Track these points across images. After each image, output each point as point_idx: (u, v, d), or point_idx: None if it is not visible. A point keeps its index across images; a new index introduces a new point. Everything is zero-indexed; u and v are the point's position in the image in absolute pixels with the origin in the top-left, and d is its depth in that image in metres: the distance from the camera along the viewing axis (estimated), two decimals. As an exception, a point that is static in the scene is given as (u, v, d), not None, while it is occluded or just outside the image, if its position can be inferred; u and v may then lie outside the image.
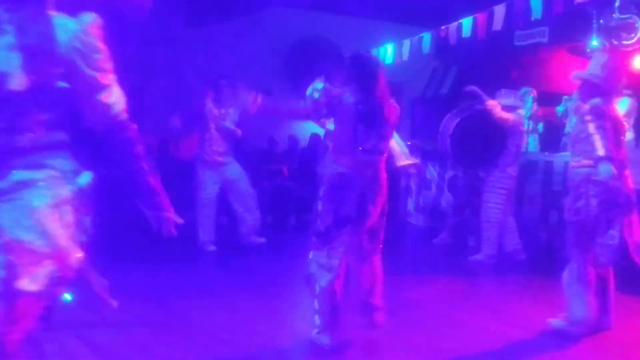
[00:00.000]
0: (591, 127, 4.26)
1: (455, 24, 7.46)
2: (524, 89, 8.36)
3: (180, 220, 2.52)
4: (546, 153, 8.17)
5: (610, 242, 4.31)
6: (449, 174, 8.65)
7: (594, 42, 7.65)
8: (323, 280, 3.91)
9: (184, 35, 10.62)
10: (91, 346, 3.88)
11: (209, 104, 6.82)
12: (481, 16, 7.01)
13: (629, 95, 7.06)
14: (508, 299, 5.70)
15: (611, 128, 4.26)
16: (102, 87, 2.28)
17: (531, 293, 5.65)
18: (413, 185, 9.37)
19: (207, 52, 10.11)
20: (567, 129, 7.59)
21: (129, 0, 3.28)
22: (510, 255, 6.94)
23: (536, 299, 5.17)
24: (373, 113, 3.86)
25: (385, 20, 10.85)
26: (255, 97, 3.79)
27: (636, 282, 5.89)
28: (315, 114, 4.13)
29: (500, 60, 10.26)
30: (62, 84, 2.23)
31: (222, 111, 6.79)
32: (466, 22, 7.24)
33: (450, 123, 7.02)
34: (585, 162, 4.33)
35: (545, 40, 9.18)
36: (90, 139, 2.37)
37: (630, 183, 4.44)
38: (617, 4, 7.37)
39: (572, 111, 5.24)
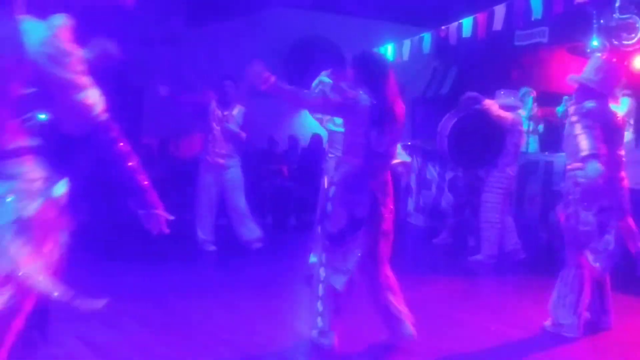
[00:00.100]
0: (577, 128, 4.28)
1: (455, 24, 7.46)
2: (523, 90, 8.36)
3: (170, 217, 2.52)
4: (546, 153, 8.17)
5: (606, 248, 4.29)
6: (449, 174, 8.65)
7: (594, 42, 7.65)
8: (338, 283, 3.86)
9: (185, 34, 10.62)
10: (91, 346, 3.88)
11: (213, 105, 6.82)
12: (481, 16, 7.01)
13: (628, 95, 7.06)
14: (508, 299, 5.71)
15: (602, 129, 4.26)
16: (79, 88, 2.23)
17: (531, 293, 5.65)
18: (413, 185, 9.37)
19: (207, 51, 10.12)
20: (567, 129, 7.58)
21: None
22: (510, 255, 6.94)
23: (536, 299, 5.17)
24: (385, 115, 3.84)
25: (385, 20, 10.85)
26: (268, 76, 3.68)
27: (636, 282, 5.89)
28: (322, 108, 4.08)
29: (500, 60, 10.26)
30: (31, 89, 2.18)
31: (225, 113, 6.79)
32: (466, 22, 7.24)
33: (447, 123, 7.02)
34: (575, 164, 4.34)
35: (545, 40, 9.18)
36: (79, 142, 2.34)
37: (626, 185, 4.43)
38: (617, 4, 7.37)
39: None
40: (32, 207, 2.14)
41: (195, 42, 10.19)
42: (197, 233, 6.99)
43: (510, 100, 6.98)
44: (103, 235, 7.93)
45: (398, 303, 3.97)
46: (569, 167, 4.43)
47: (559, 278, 4.43)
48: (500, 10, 6.72)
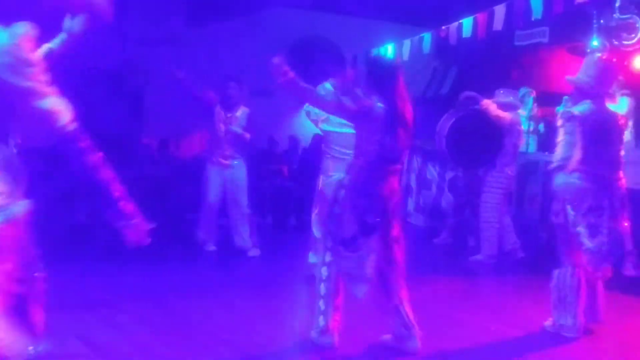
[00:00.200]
0: (560, 133, 4.39)
1: (455, 24, 7.46)
2: (523, 90, 8.36)
3: (151, 225, 2.45)
4: (546, 153, 8.16)
5: (600, 249, 4.29)
6: (449, 174, 8.65)
7: (594, 42, 7.65)
8: (360, 291, 3.87)
9: (185, 34, 10.62)
10: (91, 346, 3.88)
11: (217, 107, 6.83)
12: (481, 16, 7.01)
13: (627, 95, 7.06)
14: (508, 299, 5.71)
15: (593, 131, 4.27)
16: (40, 96, 2.16)
17: (531, 293, 5.65)
18: (413, 185, 9.37)
19: (207, 51, 10.12)
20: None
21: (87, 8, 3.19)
22: (508, 255, 6.95)
23: (536, 299, 5.17)
24: (397, 121, 3.84)
25: (385, 20, 10.84)
26: (287, 71, 3.76)
27: (636, 282, 5.89)
28: (335, 110, 4.07)
29: (500, 60, 10.25)
30: None
31: (229, 115, 6.79)
32: (466, 22, 7.24)
33: (446, 123, 7.02)
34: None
35: (545, 40, 9.18)
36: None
37: (623, 184, 4.43)
38: (617, 4, 7.37)
39: None
40: None
41: (195, 42, 10.18)
42: (198, 232, 6.99)
43: (509, 99, 6.98)
44: (103, 235, 7.94)
45: (408, 314, 3.95)
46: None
47: (554, 278, 4.43)
48: (500, 10, 6.72)
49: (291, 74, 3.82)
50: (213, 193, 6.85)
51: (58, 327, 4.13)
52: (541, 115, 9.18)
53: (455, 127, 6.95)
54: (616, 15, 7.40)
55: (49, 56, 3.50)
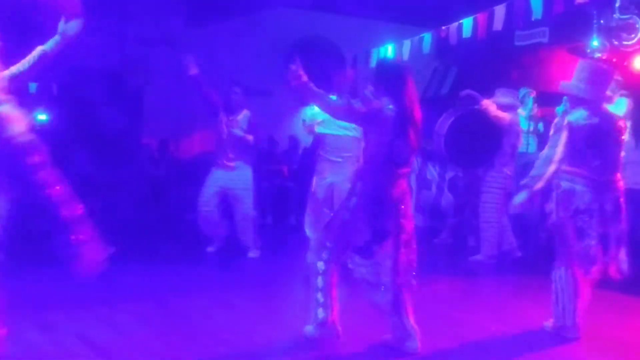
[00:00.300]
0: (550, 141, 4.43)
1: (455, 24, 7.45)
2: (523, 90, 8.35)
3: (110, 250, 2.29)
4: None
5: (587, 253, 4.29)
6: (449, 174, 8.65)
7: (594, 42, 7.65)
8: (382, 300, 3.89)
9: (185, 35, 10.63)
10: (91, 346, 3.88)
11: (221, 111, 6.85)
12: (481, 16, 7.01)
13: (625, 96, 7.05)
14: (508, 299, 5.71)
15: (586, 138, 4.29)
16: None
17: (531, 293, 5.65)
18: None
19: (207, 52, 10.12)
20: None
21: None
22: (506, 254, 6.95)
23: (536, 299, 5.17)
24: (407, 123, 3.84)
25: (385, 20, 10.86)
26: (301, 75, 3.80)
27: (636, 282, 5.89)
28: (346, 115, 4.05)
29: (500, 61, 10.25)
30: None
31: (231, 118, 6.81)
32: (466, 23, 7.24)
33: (445, 123, 7.02)
34: (563, 167, 4.39)
35: (545, 40, 9.18)
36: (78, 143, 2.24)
37: (620, 187, 4.42)
38: (617, 4, 7.37)
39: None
40: None
41: (195, 42, 10.19)
42: (201, 232, 6.99)
43: (508, 99, 6.98)
44: (103, 235, 7.94)
45: (408, 314, 3.96)
46: (563, 167, 4.46)
47: (552, 279, 4.43)
48: (500, 11, 6.72)
49: (304, 78, 3.85)
50: (207, 193, 6.85)
51: (58, 327, 4.14)
52: (541, 115, 9.18)
53: (454, 126, 6.94)
54: (616, 15, 7.40)
55: (43, 58, 3.50)
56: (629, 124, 6.79)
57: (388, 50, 8.75)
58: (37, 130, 2.78)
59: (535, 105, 8.89)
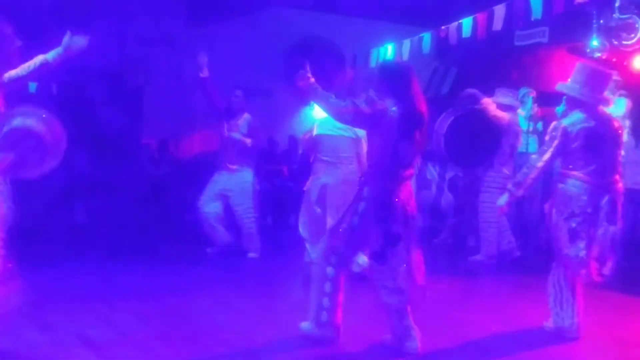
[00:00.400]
0: (543, 146, 4.52)
1: (455, 24, 7.45)
2: (523, 90, 8.35)
3: (11, 265, 2.35)
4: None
5: (577, 255, 4.29)
6: (449, 174, 8.65)
7: (594, 42, 7.64)
8: (399, 303, 3.90)
9: (185, 35, 10.63)
10: (91, 346, 3.88)
11: (223, 115, 6.86)
12: (481, 16, 7.01)
13: (624, 96, 7.05)
14: (508, 299, 5.70)
15: (582, 141, 4.30)
16: None
17: (531, 293, 5.65)
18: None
19: (207, 52, 10.11)
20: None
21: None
22: (505, 253, 6.95)
23: (536, 299, 5.17)
24: (414, 124, 3.84)
25: (385, 20, 10.85)
26: (308, 77, 3.82)
27: (636, 282, 5.90)
28: (351, 118, 4.04)
29: (500, 61, 10.25)
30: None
31: (231, 122, 6.82)
32: (466, 22, 7.24)
33: (444, 122, 7.02)
34: (564, 171, 4.41)
35: (545, 40, 9.17)
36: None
37: (619, 189, 4.42)
38: (617, 4, 7.36)
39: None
40: None
41: (195, 42, 10.18)
42: (202, 231, 6.99)
43: (507, 99, 6.98)
44: (103, 235, 7.95)
45: (409, 315, 3.97)
46: (561, 169, 4.48)
47: (550, 279, 4.43)
48: (500, 10, 6.72)
49: (312, 79, 3.87)
50: (207, 195, 6.86)
51: (58, 327, 4.14)
52: (541, 115, 9.18)
53: (454, 126, 6.94)
54: (616, 15, 7.39)
55: (43, 67, 3.53)
56: (628, 123, 6.80)
57: (388, 50, 8.74)
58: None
59: (535, 105, 8.89)
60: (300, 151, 10.68)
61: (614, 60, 7.56)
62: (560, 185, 4.38)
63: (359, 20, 11.04)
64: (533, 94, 8.65)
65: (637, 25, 7.30)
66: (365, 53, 9.12)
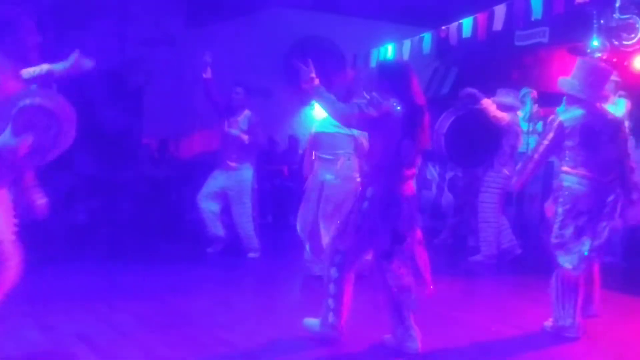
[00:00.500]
0: (539, 139, 4.60)
1: (455, 24, 7.45)
2: (524, 90, 8.35)
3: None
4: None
5: (580, 249, 4.31)
6: (449, 174, 8.65)
7: (594, 42, 7.64)
8: (407, 299, 3.92)
9: (184, 35, 10.62)
10: (91, 346, 3.88)
11: (224, 112, 6.86)
12: (481, 16, 7.01)
13: (624, 96, 7.06)
14: (508, 299, 5.71)
15: (581, 137, 4.32)
16: None
17: (531, 293, 5.65)
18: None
19: (211, 56, 10.12)
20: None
21: None
22: (506, 252, 6.94)
23: (536, 299, 5.17)
24: (416, 122, 3.84)
25: (385, 20, 10.85)
26: (313, 78, 3.82)
27: (636, 282, 5.90)
28: (356, 122, 4.02)
29: (500, 61, 10.25)
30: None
31: (232, 119, 6.82)
32: (466, 23, 7.24)
33: (445, 122, 7.02)
34: (565, 168, 4.42)
35: (545, 40, 9.17)
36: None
37: (617, 187, 4.42)
38: (617, 4, 7.37)
39: None
40: None
41: (195, 42, 10.18)
42: (202, 230, 6.99)
43: (508, 99, 6.98)
44: (103, 235, 7.95)
45: (409, 315, 3.98)
46: (562, 168, 4.48)
47: (553, 279, 4.43)
48: (500, 11, 6.72)
49: (317, 81, 3.87)
50: (205, 192, 6.86)
51: (58, 327, 4.14)
52: (542, 115, 9.17)
53: (455, 125, 6.95)
54: (616, 15, 7.39)
55: (47, 76, 3.53)
56: (628, 124, 6.80)
57: (388, 50, 8.74)
58: None
59: (536, 105, 8.89)
60: (300, 151, 10.70)
61: (614, 60, 7.56)
62: (565, 184, 4.37)
63: (359, 20, 11.03)
64: (534, 94, 8.66)
65: (637, 26, 7.30)
66: (365, 53, 9.12)
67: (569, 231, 4.32)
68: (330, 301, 4.01)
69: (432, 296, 4.02)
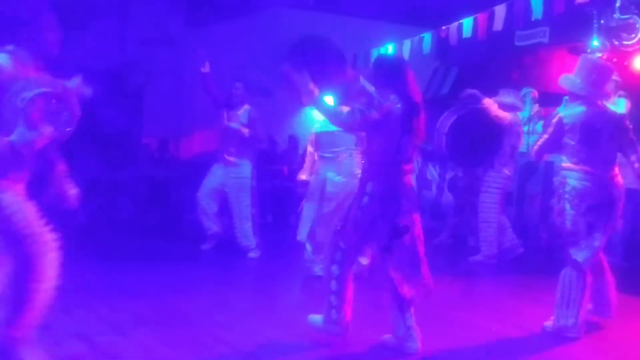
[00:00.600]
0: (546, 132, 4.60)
1: (455, 24, 7.46)
2: (524, 90, 8.36)
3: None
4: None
5: (591, 244, 4.31)
6: (449, 174, 8.64)
7: (595, 42, 7.65)
8: (409, 294, 3.91)
9: (184, 35, 10.63)
10: (91, 346, 3.88)
11: (223, 107, 6.86)
12: (482, 16, 7.02)
13: (623, 96, 7.06)
14: (508, 299, 5.70)
15: (581, 134, 4.33)
16: None
17: (531, 293, 5.65)
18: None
19: (206, 51, 10.12)
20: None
21: None
22: (508, 251, 6.94)
23: (536, 299, 5.17)
24: (414, 116, 3.84)
25: (385, 20, 10.86)
26: (313, 90, 3.82)
27: (636, 282, 5.89)
28: (359, 128, 4.03)
29: (500, 61, 10.25)
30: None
31: (231, 113, 6.82)
32: (467, 23, 7.24)
33: (446, 121, 7.02)
34: (567, 165, 4.43)
35: (545, 40, 9.18)
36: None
37: (618, 182, 4.43)
38: (617, 4, 7.37)
39: None
40: None
41: (195, 42, 10.19)
42: (204, 227, 6.99)
43: (511, 99, 6.98)
44: (103, 235, 7.95)
45: (410, 314, 3.98)
46: (563, 164, 4.49)
47: (560, 278, 4.43)
48: (500, 11, 6.72)
49: (317, 92, 3.86)
50: (206, 188, 6.86)
51: (58, 327, 4.13)
52: (542, 115, 9.17)
53: (456, 125, 6.95)
54: (616, 15, 7.40)
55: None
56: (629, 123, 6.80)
57: (388, 51, 8.75)
58: None
59: (537, 105, 8.89)
60: (300, 151, 10.70)
61: (615, 60, 7.56)
62: (570, 181, 4.36)
63: (359, 20, 11.05)
64: (534, 94, 8.66)
65: (637, 26, 7.31)
66: (365, 53, 9.13)
67: (581, 227, 4.32)
68: (333, 298, 4.01)
69: (431, 295, 4.01)
